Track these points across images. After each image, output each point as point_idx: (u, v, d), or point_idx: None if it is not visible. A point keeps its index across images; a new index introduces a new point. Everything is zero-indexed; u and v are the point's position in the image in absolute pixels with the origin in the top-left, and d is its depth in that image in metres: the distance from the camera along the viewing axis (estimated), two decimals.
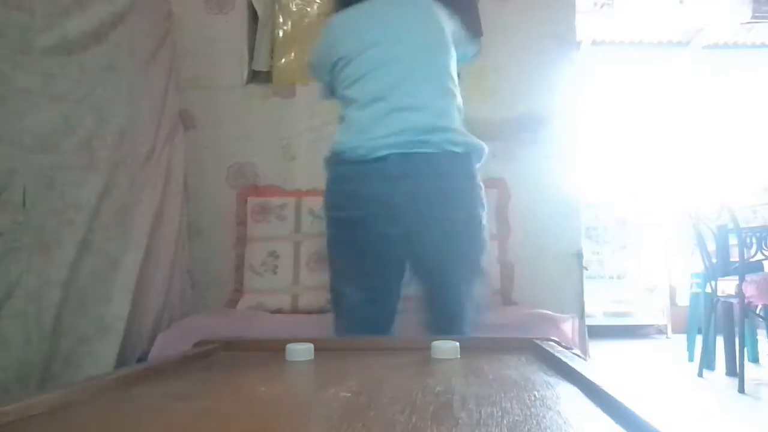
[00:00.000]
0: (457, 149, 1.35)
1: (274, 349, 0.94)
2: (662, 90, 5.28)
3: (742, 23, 4.67)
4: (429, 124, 1.35)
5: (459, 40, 1.54)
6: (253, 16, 2.58)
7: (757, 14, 4.45)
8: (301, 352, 0.90)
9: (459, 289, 1.38)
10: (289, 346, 0.90)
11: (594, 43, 5.19)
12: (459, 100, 1.47)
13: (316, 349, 0.91)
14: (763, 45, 5.27)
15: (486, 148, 1.43)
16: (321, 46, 1.57)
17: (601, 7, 4.56)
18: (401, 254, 1.41)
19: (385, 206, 1.34)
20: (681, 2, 4.50)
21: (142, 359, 1.78)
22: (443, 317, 1.40)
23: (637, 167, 5.21)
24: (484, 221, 1.41)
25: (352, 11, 1.52)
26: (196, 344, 1.03)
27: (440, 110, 1.39)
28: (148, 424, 0.55)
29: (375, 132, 1.36)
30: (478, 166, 1.43)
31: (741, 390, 2.72)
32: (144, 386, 0.72)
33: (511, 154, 2.44)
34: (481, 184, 1.43)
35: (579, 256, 2.41)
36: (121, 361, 1.70)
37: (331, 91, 1.59)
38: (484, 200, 1.42)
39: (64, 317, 1.53)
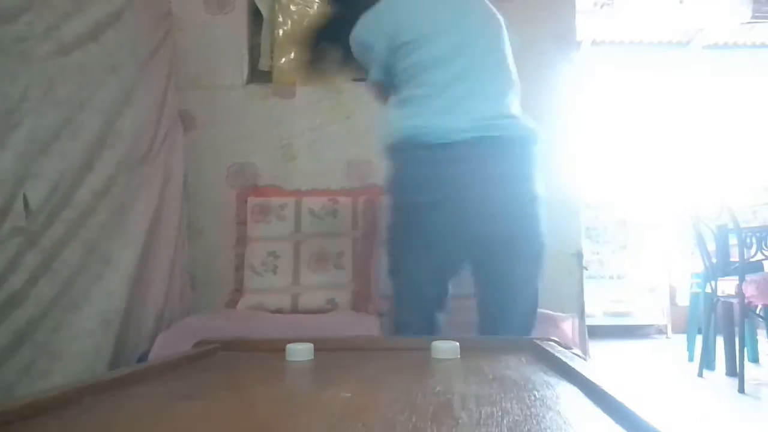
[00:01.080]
0: (524, 133, 1.40)
1: (274, 349, 0.94)
2: (662, 90, 5.28)
3: (742, 23, 4.67)
4: (497, 111, 1.41)
5: (507, 28, 1.58)
6: (253, 16, 2.58)
7: (757, 14, 4.45)
8: (301, 352, 0.90)
9: (526, 278, 1.39)
10: (289, 346, 0.90)
11: (594, 43, 5.19)
12: (518, 86, 1.53)
13: (316, 349, 0.91)
14: (763, 45, 5.27)
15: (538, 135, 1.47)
16: (383, 25, 1.52)
17: (601, 7, 4.56)
18: (470, 236, 1.40)
19: (460, 188, 1.36)
20: (681, 2, 4.50)
21: (142, 359, 1.78)
22: (507, 313, 1.40)
23: (637, 167, 5.21)
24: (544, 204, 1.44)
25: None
26: (196, 344, 1.03)
27: (506, 98, 1.45)
28: (148, 424, 0.55)
29: (448, 118, 1.38)
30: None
31: (741, 390, 2.72)
32: (144, 386, 0.72)
33: None
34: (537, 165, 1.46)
35: (579, 256, 2.41)
36: (118, 358, 1.70)
37: (384, 71, 1.54)
38: (542, 184, 1.45)
39: (60, 314, 1.53)
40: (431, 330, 1.43)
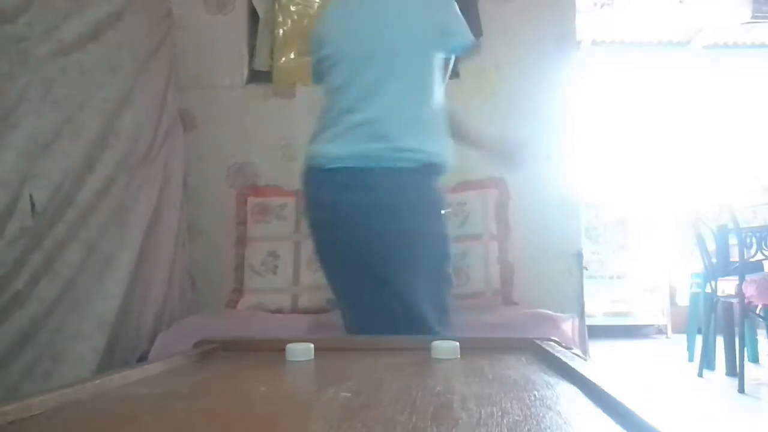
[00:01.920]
0: (402, 164, 1.37)
1: (274, 349, 0.94)
2: (662, 90, 5.28)
3: (742, 23, 4.67)
4: (384, 141, 1.38)
5: (449, 30, 1.48)
6: (253, 16, 2.58)
7: (757, 14, 4.45)
8: (301, 352, 0.90)
9: (377, 304, 1.39)
10: (289, 346, 0.90)
11: (594, 43, 5.19)
12: (435, 100, 1.46)
13: (316, 349, 0.91)
14: (763, 45, 5.27)
15: (446, 159, 1.44)
16: (314, 33, 1.56)
17: (601, 7, 4.56)
18: (354, 262, 1.44)
19: (336, 214, 1.41)
20: (681, 2, 4.50)
21: (142, 359, 1.78)
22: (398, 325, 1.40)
23: (637, 167, 5.21)
24: (435, 230, 1.43)
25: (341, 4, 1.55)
26: (196, 344, 1.03)
27: (404, 123, 1.40)
28: (148, 424, 0.55)
29: (334, 146, 1.41)
30: (438, 177, 1.46)
31: (741, 390, 2.72)
32: (144, 386, 0.72)
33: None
34: (436, 195, 1.45)
35: (579, 256, 2.41)
36: (118, 358, 1.70)
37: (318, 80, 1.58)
38: (436, 211, 1.44)
39: (62, 315, 1.54)
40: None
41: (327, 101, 1.50)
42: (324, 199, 1.44)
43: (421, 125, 1.42)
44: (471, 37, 1.51)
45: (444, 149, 1.45)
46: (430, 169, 1.41)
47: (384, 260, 1.38)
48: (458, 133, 1.62)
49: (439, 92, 1.47)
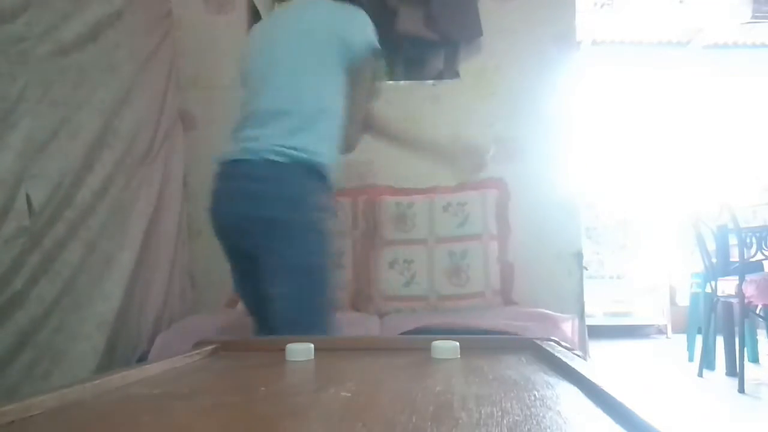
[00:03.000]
0: (277, 158, 1.47)
1: (274, 349, 0.94)
2: (662, 90, 5.28)
3: (742, 23, 4.67)
4: (266, 141, 1.50)
5: (348, 39, 1.56)
6: (254, 16, 2.57)
7: (757, 14, 4.45)
8: (301, 352, 0.90)
9: (281, 294, 1.46)
10: (289, 346, 0.90)
11: (594, 43, 5.19)
12: (332, 107, 1.56)
13: (316, 349, 0.91)
14: (763, 45, 5.27)
15: (327, 162, 1.54)
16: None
17: (601, 7, 4.56)
18: (230, 246, 1.58)
19: (218, 202, 1.57)
20: (681, 2, 4.50)
21: (142, 359, 1.78)
22: (277, 324, 1.47)
23: (637, 167, 5.22)
24: (304, 224, 1.49)
25: (261, 22, 1.73)
26: (196, 344, 1.02)
27: (287, 131, 1.51)
28: (148, 424, 0.55)
29: (234, 141, 1.56)
30: (318, 176, 1.53)
31: (741, 390, 2.72)
32: (144, 386, 0.72)
33: (511, 154, 2.44)
34: (311, 192, 1.52)
35: (579, 256, 2.41)
36: (118, 358, 1.70)
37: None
38: (308, 206, 1.51)
39: (61, 315, 1.54)
40: (263, 331, 1.55)
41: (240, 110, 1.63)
42: (216, 189, 1.58)
43: (309, 127, 1.51)
44: (372, 42, 1.58)
45: (328, 152, 1.54)
46: (306, 167, 1.49)
47: (252, 245, 1.49)
48: (400, 139, 1.81)
49: (339, 101, 1.57)
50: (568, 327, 1.88)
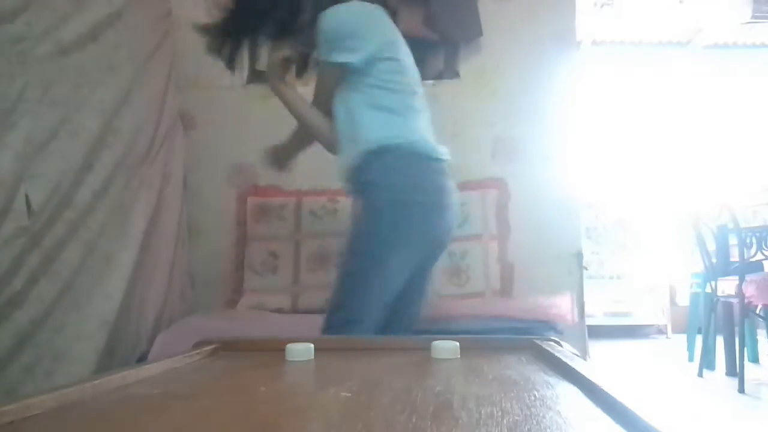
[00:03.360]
0: None
1: (274, 349, 0.94)
2: (662, 90, 5.28)
3: (742, 23, 4.67)
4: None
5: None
6: None
7: (757, 14, 4.45)
8: (301, 352, 0.90)
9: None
10: (289, 346, 0.90)
11: (594, 43, 5.19)
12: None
13: (316, 349, 0.91)
14: (763, 45, 5.27)
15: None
16: (377, 29, 1.56)
17: (601, 7, 4.56)
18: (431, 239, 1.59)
19: (445, 198, 1.58)
20: (681, 2, 4.50)
21: (142, 359, 1.78)
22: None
23: (637, 167, 5.22)
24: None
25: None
26: (196, 344, 1.02)
27: None
28: (148, 424, 0.55)
29: (428, 131, 1.59)
30: None
31: (741, 390, 2.72)
32: (144, 386, 0.72)
33: (511, 154, 2.44)
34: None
35: (579, 256, 2.41)
36: (117, 358, 1.70)
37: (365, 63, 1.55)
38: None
39: (61, 315, 1.54)
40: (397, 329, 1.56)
41: (399, 100, 1.56)
42: (439, 185, 1.57)
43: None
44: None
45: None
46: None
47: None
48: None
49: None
50: (566, 302, 1.90)
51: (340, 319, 1.47)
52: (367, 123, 1.52)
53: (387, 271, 1.48)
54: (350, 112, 1.55)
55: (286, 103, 1.67)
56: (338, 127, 1.57)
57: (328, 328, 1.47)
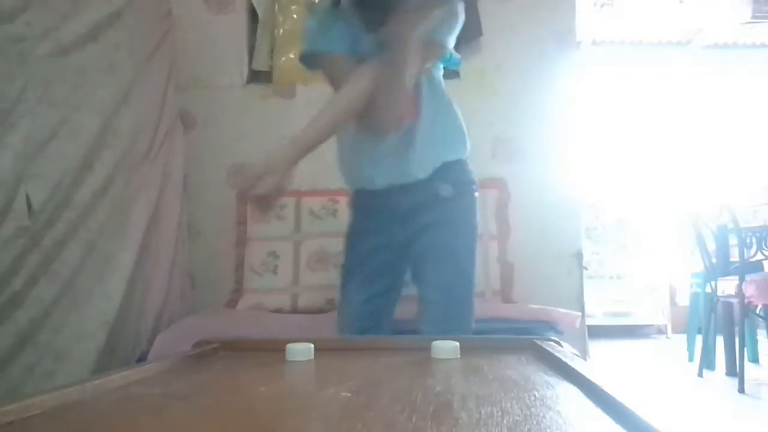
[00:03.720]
0: None
1: (274, 349, 0.94)
2: (662, 90, 5.28)
3: (742, 23, 4.67)
4: None
5: None
6: (253, 16, 2.58)
7: (757, 14, 4.45)
8: (301, 352, 0.90)
9: None
10: (289, 346, 0.90)
11: (594, 43, 5.19)
12: None
13: (316, 349, 0.91)
14: (763, 45, 5.27)
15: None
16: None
17: (601, 7, 4.56)
18: None
19: None
20: (681, 2, 4.50)
21: (142, 359, 1.78)
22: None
23: (637, 167, 5.22)
24: None
25: None
26: (196, 344, 1.02)
27: None
28: (148, 424, 0.55)
29: None
30: None
31: (741, 390, 2.72)
32: (144, 386, 0.72)
33: (511, 154, 2.44)
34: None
35: (579, 256, 2.41)
36: (117, 358, 1.70)
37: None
38: None
39: (61, 315, 1.54)
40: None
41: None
42: None
43: None
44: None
45: None
46: None
47: None
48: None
49: None
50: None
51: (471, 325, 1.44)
52: (461, 122, 1.49)
53: None
54: (447, 106, 1.49)
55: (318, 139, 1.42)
56: (428, 117, 1.43)
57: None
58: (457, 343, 0.90)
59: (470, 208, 1.49)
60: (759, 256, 2.90)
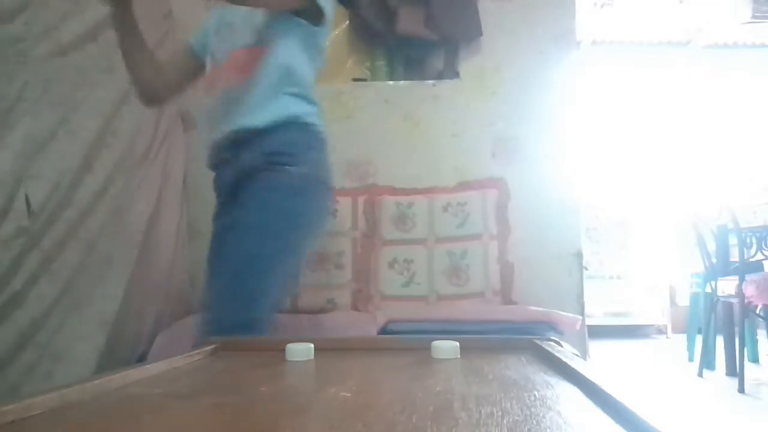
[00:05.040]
0: None
1: (274, 349, 0.94)
2: (662, 90, 5.28)
3: (742, 23, 4.67)
4: None
5: None
6: None
7: (757, 14, 4.45)
8: (301, 352, 0.89)
9: None
10: (289, 346, 0.90)
11: (594, 43, 5.20)
12: None
13: (316, 349, 0.91)
14: (763, 45, 5.27)
15: None
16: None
17: (601, 7, 4.56)
18: None
19: None
20: (681, 2, 4.50)
21: (141, 359, 1.78)
22: None
23: (637, 167, 5.22)
24: None
25: None
26: (196, 344, 1.02)
27: None
28: (148, 424, 0.55)
29: None
30: None
31: (741, 390, 2.72)
32: (144, 386, 0.72)
33: (511, 154, 2.44)
34: None
35: (579, 256, 2.41)
36: (117, 358, 1.70)
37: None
38: None
39: (61, 315, 1.54)
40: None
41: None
42: None
43: None
44: None
45: None
46: None
47: None
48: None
49: None
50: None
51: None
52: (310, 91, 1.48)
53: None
54: (291, 71, 1.42)
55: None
56: (267, 80, 1.41)
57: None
58: (457, 343, 0.90)
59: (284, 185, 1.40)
60: (759, 256, 2.90)
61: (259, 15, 1.43)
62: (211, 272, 1.46)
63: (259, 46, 1.42)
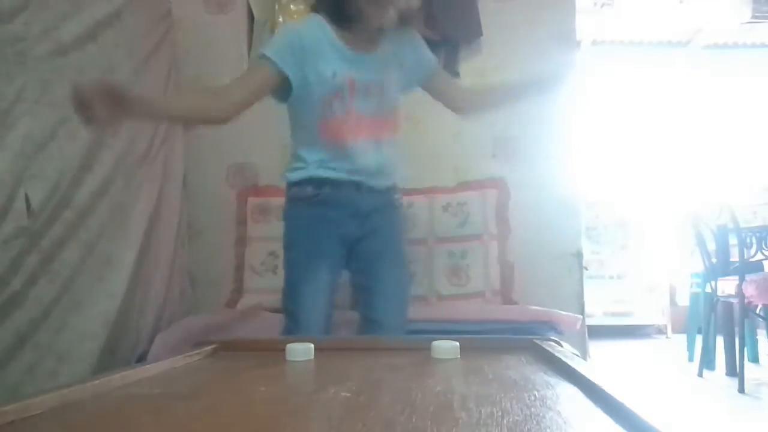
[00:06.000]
0: None
1: (274, 349, 0.94)
2: (662, 90, 5.28)
3: (742, 23, 4.67)
4: None
5: None
6: (253, 17, 2.57)
7: (757, 14, 4.45)
8: (301, 352, 0.90)
9: None
10: (289, 346, 0.90)
11: (594, 43, 5.19)
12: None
13: (316, 349, 0.91)
14: (763, 45, 5.27)
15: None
16: None
17: (601, 7, 4.56)
18: None
19: None
20: (681, 2, 4.50)
21: (141, 359, 1.78)
22: None
23: (637, 167, 5.21)
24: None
25: None
26: (196, 344, 1.02)
27: None
28: (148, 424, 0.55)
29: None
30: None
31: (741, 390, 2.72)
32: (144, 386, 0.72)
33: (511, 154, 2.44)
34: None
35: (579, 256, 2.41)
36: (117, 358, 1.70)
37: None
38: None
39: (61, 315, 1.53)
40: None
41: None
42: None
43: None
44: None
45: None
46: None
47: None
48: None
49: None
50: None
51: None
52: None
53: None
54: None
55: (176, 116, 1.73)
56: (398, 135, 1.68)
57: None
58: (457, 343, 0.90)
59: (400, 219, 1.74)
60: (759, 256, 2.90)
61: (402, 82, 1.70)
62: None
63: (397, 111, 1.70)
